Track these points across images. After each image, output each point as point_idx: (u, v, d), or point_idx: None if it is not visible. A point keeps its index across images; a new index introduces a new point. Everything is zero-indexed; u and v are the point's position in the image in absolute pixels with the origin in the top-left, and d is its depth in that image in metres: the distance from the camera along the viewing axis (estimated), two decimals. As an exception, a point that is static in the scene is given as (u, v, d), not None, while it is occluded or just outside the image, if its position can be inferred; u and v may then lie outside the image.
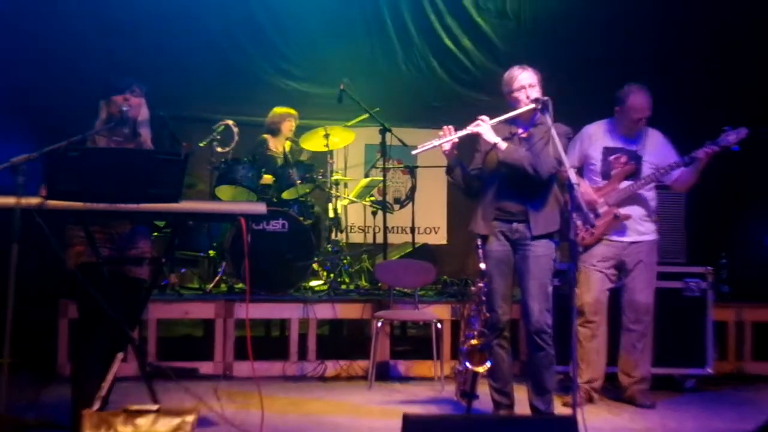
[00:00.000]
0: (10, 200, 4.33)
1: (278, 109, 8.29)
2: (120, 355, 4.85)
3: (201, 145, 7.70)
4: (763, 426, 4.43)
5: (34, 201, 4.44)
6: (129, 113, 4.97)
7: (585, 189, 6.23)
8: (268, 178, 7.88)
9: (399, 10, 9.18)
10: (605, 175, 6.35)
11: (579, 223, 6.03)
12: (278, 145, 8.24)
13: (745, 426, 4.63)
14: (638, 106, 6.23)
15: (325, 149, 8.24)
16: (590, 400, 6.23)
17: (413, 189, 8.51)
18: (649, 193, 6.37)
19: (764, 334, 7.72)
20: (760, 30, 8.58)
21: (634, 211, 6.30)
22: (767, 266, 8.56)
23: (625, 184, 6.29)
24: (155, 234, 6.64)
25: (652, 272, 6.42)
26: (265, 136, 8.23)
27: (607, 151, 6.36)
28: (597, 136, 6.40)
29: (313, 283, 7.89)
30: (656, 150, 6.34)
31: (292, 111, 8.32)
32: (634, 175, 6.30)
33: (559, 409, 5.71)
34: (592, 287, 6.28)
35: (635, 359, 6.38)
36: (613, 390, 6.50)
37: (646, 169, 6.29)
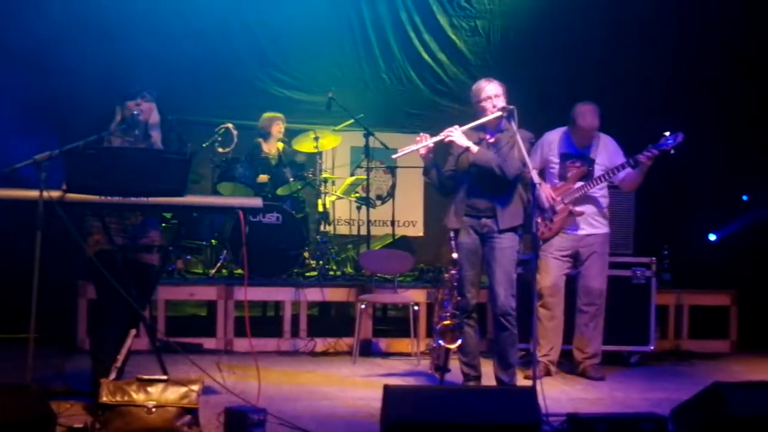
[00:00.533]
0: (34, 193, 4.33)
1: (267, 114, 8.26)
2: (133, 332, 4.86)
3: (204, 146, 7.70)
4: (698, 395, 4.45)
5: (55, 194, 4.43)
6: (140, 117, 4.96)
7: (545, 189, 6.27)
8: (263, 177, 7.87)
9: (382, 26, 9.15)
10: (562, 177, 6.38)
11: (539, 218, 6.08)
12: (271, 147, 8.21)
13: (683, 396, 4.64)
14: (585, 126, 6.29)
15: (315, 150, 8.22)
16: (548, 373, 6.25)
17: (393, 187, 8.51)
18: (601, 192, 6.40)
19: (699, 316, 7.79)
20: (692, 50, 8.63)
21: (588, 208, 6.33)
22: (703, 257, 8.63)
23: (579, 184, 6.32)
24: (164, 225, 6.62)
25: (604, 261, 6.46)
26: (258, 139, 8.21)
27: (564, 157, 6.39)
28: (555, 143, 6.43)
29: (305, 269, 7.86)
30: (607, 154, 6.37)
31: (278, 114, 8.29)
32: (587, 176, 6.33)
33: (521, 381, 5.72)
34: (551, 274, 6.32)
35: (588, 337, 6.41)
36: (568, 364, 6.53)
37: (598, 171, 6.32)
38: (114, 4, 8.03)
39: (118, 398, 4.27)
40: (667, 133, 6.13)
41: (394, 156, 5.60)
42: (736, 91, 8.71)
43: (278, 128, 8.24)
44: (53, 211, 4.37)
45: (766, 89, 8.68)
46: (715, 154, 8.53)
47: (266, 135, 8.20)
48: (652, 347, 7.02)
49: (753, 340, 7.91)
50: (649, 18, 8.71)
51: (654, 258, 7.12)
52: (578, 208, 6.29)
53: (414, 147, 5.33)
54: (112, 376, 4.62)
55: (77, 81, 7.52)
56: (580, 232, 6.34)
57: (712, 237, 9.00)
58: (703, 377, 5.95)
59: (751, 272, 8.35)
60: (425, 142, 5.32)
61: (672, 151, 6.13)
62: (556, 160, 6.40)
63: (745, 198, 8.91)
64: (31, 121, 7.03)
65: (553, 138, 6.44)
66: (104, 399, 4.26)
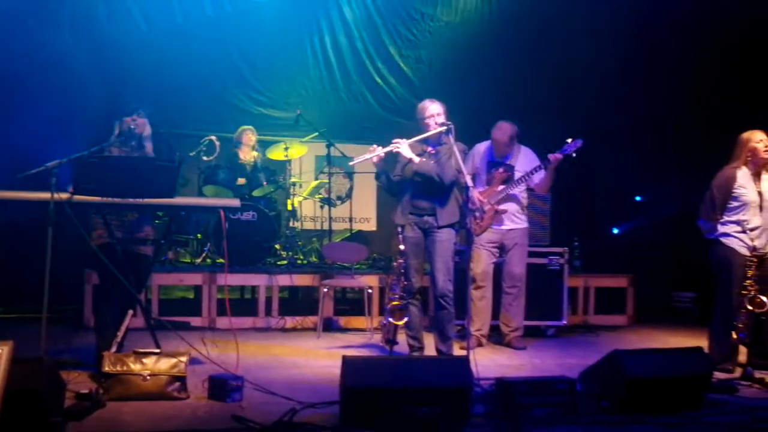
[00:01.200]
0: (45, 195, 4.32)
1: (240, 128, 8.22)
2: (131, 312, 4.84)
3: (191, 154, 7.62)
4: (601, 360, 4.51)
5: (64, 196, 4.42)
6: (135, 130, 4.96)
7: (474, 193, 6.30)
8: (241, 181, 7.83)
9: (342, 55, 9.12)
10: (489, 181, 6.41)
11: (472, 217, 6.12)
12: (246, 155, 8.12)
13: (590, 361, 4.65)
14: (498, 139, 6.36)
15: (285, 159, 8.19)
16: (480, 344, 6.27)
17: (351, 189, 8.51)
18: (522, 194, 6.44)
19: (603, 296, 7.85)
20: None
21: (510, 206, 6.37)
22: (607, 248, 8.77)
23: (501, 187, 6.35)
24: (156, 221, 6.56)
25: (524, 251, 6.50)
26: (235, 149, 8.15)
27: (489, 165, 6.43)
28: (482, 153, 6.46)
29: (276, 259, 7.85)
30: (525, 161, 6.41)
31: (248, 126, 8.19)
32: (508, 180, 6.37)
33: (457, 351, 5.72)
34: (482, 262, 6.35)
35: (512, 314, 6.45)
36: (496, 337, 6.54)
37: (517, 176, 6.36)
38: (116, 34, 7.99)
39: (118, 368, 4.27)
40: (569, 140, 6.20)
41: (350, 163, 5.61)
42: (635, 106, 8.83)
43: (248, 137, 8.15)
44: (62, 210, 4.35)
45: (658, 104, 8.83)
46: (616, 162, 8.65)
47: (239, 144, 8.15)
48: (564, 322, 7.08)
49: (646, 315, 8.05)
50: (564, 40, 8.75)
51: (566, 248, 7.18)
52: (502, 207, 6.33)
53: (367, 156, 5.35)
54: (113, 349, 4.61)
55: (85, 99, 7.44)
56: (505, 227, 6.38)
57: (615, 231, 9.14)
58: (606, 346, 5.97)
59: (645, 259, 8.52)
60: (377, 152, 5.33)
61: (574, 155, 6.21)
62: (484, 167, 6.42)
63: (638, 199, 9.06)
64: (45, 133, 6.97)
65: (481, 149, 6.48)
66: (106, 369, 4.27)
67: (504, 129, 6.35)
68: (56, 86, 7.43)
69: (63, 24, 7.88)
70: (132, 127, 4.96)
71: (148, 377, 4.27)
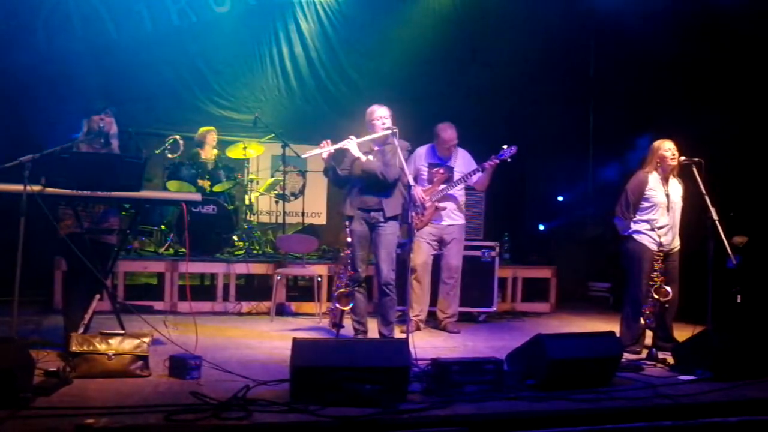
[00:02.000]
0: (19, 187, 4.24)
1: (202, 129, 8.08)
2: (97, 296, 4.77)
3: (156, 152, 7.52)
4: (526, 343, 4.60)
5: (36, 188, 4.34)
6: (104, 128, 4.89)
7: (417, 190, 6.35)
8: (205, 183, 7.71)
9: (297, 64, 9.10)
10: (429, 181, 6.45)
11: (414, 213, 6.16)
12: (207, 154, 8.05)
13: (516, 344, 4.71)
14: (447, 138, 6.37)
15: (244, 157, 8.14)
16: (418, 328, 6.31)
17: (304, 186, 8.47)
18: (460, 193, 6.49)
19: (529, 285, 7.95)
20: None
21: (449, 204, 6.42)
22: (534, 242, 8.90)
23: (442, 186, 6.40)
24: (123, 213, 6.46)
25: (460, 245, 6.55)
26: (196, 149, 8.06)
27: (431, 166, 6.46)
28: (423, 155, 6.49)
29: (234, 249, 7.78)
30: (463, 163, 6.47)
31: (211, 128, 8.12)
32: (448, 180, 6.43)
33: (398, 334, 5.74)
34: (422, 254, 6.38)
35: (448, 302, 6.49)
36: (433, 322, 6.57)
37: (456, 176, 6.42)
38: (88, 40, 7.86)
39: (85, 348, 4.21)
40: (505, 147, 6.29)
41: (303, 155, 5.64)
42: (559, 117, 8.98)
43: (211, 138, 8.09)
44: (35, 202, 4.27)
45: (581, 116, 9.00)
46: (542, 165, 8.79)
47: (202, 144, 8.07)
48: (494, 308, 7.15)
49: (566, 302, 8.21)
50: (494, 59, 8.89)
51: (498, 242, 7.26)
52: (442, 204, 6.39)
53: (318, 151, 5.34)
54: (80, 330, 4.53)
55: (57, 100, 7.28)
56: (444, 223, 6.42)
57: (541, 227, 9.28)
58: (531, 330, 6.06)
59: (566, 253, 8.68)
60: (327, 148, 5.34)
61: (509, 160, 6.31)
62: (425, 168, 6.46)
63: (560, 198, 9.21)
64: (19, 131, 6.81)
65: (422, 152, 6.51)
66: (74, 348, 4.19)
67: (452, 130, 6.38)
68: (30, 86, 7.26)
69: (37, 29, 7.71)
70: (101, 125, 4.87)
71: (113, 356, 4.21)
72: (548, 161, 8.81)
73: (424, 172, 6.47)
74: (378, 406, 3.73)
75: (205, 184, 7.67)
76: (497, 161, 6.27)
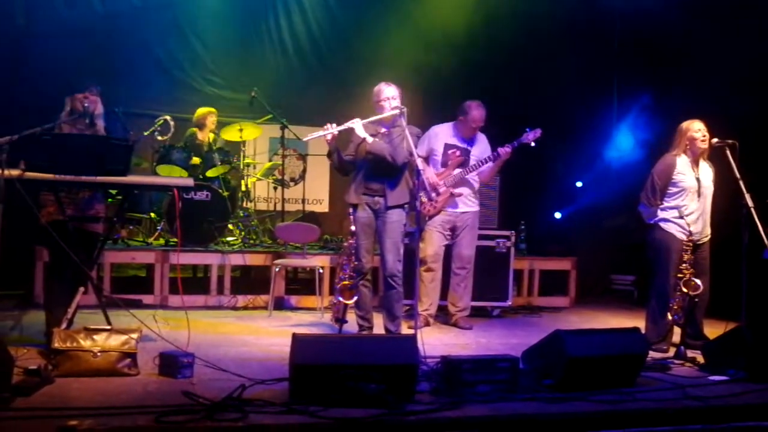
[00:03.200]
0: (-5, 171, 4.20)
1: (202, 109, 8.11)
2: (81, 289, 4.76)
3: (145, 134, 7.50)
4: (543, 340, 4.58)
5: (15, 172, 4.32)
6: (89, 108, 4.87)
7: (430, 174, 6.32)
8: (196, 160, 7.74)
9: (297, 38, 9.07)
10: (444, 164, 6.42)
11: (425, 199, 6.14)
12: (204, 136, 8.08)
13: (533, 340, 4.72)
14: (477, 117, 6.33)
15: (240, 140, 8.12)
16: (427, 324, 6.30)
17: (304, 171, 8.47)
18: (474, 178, 6.47)
19: (547, 278, 7.95)
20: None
21: (464, 190, 6.40)
22: (551, 232, 8.85)
23: (457, 171, 6.37)
24: (110, 200, 6.45)
25: (474, 234, 6.53)
26: (194, 129, 8.07)
27: (447, 147, 6.42)
28: (441, 135, 6.44)
29: (229, 238, 7.79)
30: (481, 148, 6.44)
31: (213, 109, 8.17)
32: (463, 164, 6.41)
33: (405, 330, 5.74)
34: (434, 244, 6.36)
35: (460, 295, 6.49)
36: (443, 317, 6.58)
37: (472, 161, 6.41)
38: (72, 16, 7.83)
39: (68, 344, 4.20)
40: (528, 129, 6.26)
41: (305, 138, 5.58)
42: (580, 97, 8.92)
43: (212, 120, 8.15)
44: (14, 188, 4.26)
45: (592, 104, 8.93)
46: (558, 152, 8.73)
47: (201, 125, 8.08)
48: (509, 302, 7.16)
49: (586, 297, 8.20)
50: (517, 35, 8.83)
51: (513, 231, 7.24)
52: (457, 191, 6.38)
53: (322, 133, 5.32)
54: (63, 326, 4.52)
55: (38, 76, 7.26)
56: (458, 210, 6.39)
57: (558, 215, 9.24)
58: (548, 326, 6.03)
59: (587, 243, 8.64)
60: (331, 129, 5.33)
61: (533, 144, 6.27)
62: (440, 149, 6.41)
63: (579, 184, 9.16)
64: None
65: (440, 131, 6.46)
66: (56, 345, 4.19)
67: (482, 110, 6.34)
68: (8, 67, 7.25)
69: (15, 4, 7.69)
70: (85, 104, 4.86)
71: (99, 354, 4.20)
72: (568, 144, 8.75)
73: (438, 153, 6.42)
74: (383, 407, 3.72)
75: (196, 161, 7.67)
76: (509, 151, 6.24)
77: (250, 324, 6.25)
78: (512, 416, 3.84)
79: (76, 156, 4.48)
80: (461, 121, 6.41)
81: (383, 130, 5.47)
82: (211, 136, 8.11)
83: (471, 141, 6.44)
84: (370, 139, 5.36)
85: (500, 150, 6.26)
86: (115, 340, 4.26)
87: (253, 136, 8.37)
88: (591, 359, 4.34)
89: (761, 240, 5.36)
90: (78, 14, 7.94)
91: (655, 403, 4.16)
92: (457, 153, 6.40)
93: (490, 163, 6.34)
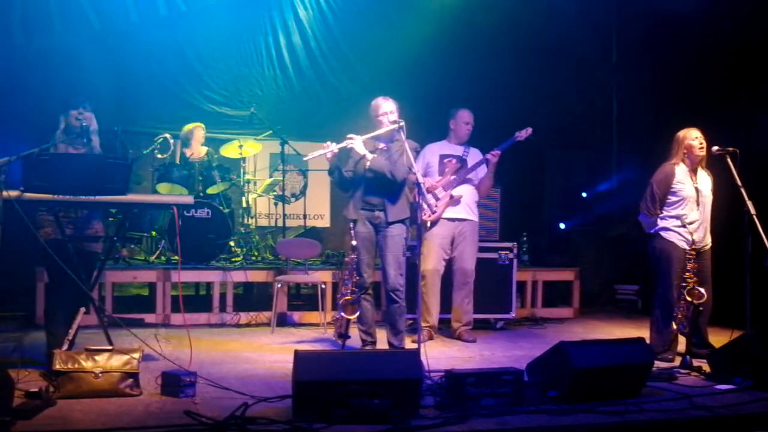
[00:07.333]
0: (-6, 193, 4.20)
1: (187, 126, 8.06)
2: (82, 309, 4.75)
3: (145, 152, 7.48)
4: (548, 352, 4.56)
5: (13, 193, 4.32)
6: (84, 123, 4.87)
7: (428, 181, 6.33)
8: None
9: (296, 54, 9.07)
10: (441, 172, 6.43)
11: (425, 207, 6.12)
12: (194, 152, 8.02)
13: (537, 352, 4.72)
14: (465, 115, 6.42)
15: (240, 156, 8.11)
16: (430, 338, 6.28)
17: (305, 186, 8.45)
18: (473, 189, 6.48)
19: (550, 289, 7.94)
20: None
21: (465, 196, 6.41)
22: (553, 243, 8.84)
23: (453, 177, 6.39)
24: (110, 219, 6.46)
25: (474, 247, 6.51)
26: (183, 148, 8.03)
27: (442, 157, 6.45)
28: (435, 149, 6.49)
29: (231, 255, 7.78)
30: (474, 156, 6.48)
31: (197, 123, 8.09)
32: (460, 170, 6.42)
33: (409, 344, 5.73)
34: (433, 258, 6.34)
35: (463, 308, 6.46)
36: (447, 330, 6.56)
37: (468, 165, 6.44)
38: (69, 32, 7.83)
39: (70, 366, 4.17)
40: (517, 132, 6.32)
41: (304, 158, 5.61)
42: (581, 107, 8.93)
43: (198, 134, 8.03)
44: (12, 208, 4.25)
45: (597, 113, 8.94)
46: (560, 161, 8.74)
47: (188, 142, 8.02)
48: (513, 314, 7.12)
49: (590, 307, 8.17)
50: (515, 43, 8.84)
51: (515, 243, 7.21)
52: (457, 193, 6.37)
53: (321, 152, 5.32)
54: (64, 347, 4.51)
55: (37, 97, 7.28)
56: (459, 216, 6.38)
57: (562, 226, 9.23)
58: (553, 337, 6.04)
59: (591, 253, 8.62)
60: (330, 148, 5.32)
61: (522, 140, 6.31)
62: (436, 160, 6.44)
63: (584, 195, 9.15)
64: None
65: (433, 146, 6.51)
66: (57, 366, 4.16)
67: (469, 112, 6.46)
68: (6, 88, 7.26)
69: (13, 22, 7.71)
70: (84, 124, 4.86)
71: (100, 374, 4.17)
72: (569, 154, 8.76)
73: (434, 165, 6.46)
74: (388, 423, 3.70)
75: (198, 184, 7.63)
76: (498, 153, 6.31)
77: (252, 341, 6.22)
78: (518, 429, 3.82)
79: (74, 176, 4.47)
80: (452, 129, 6.49)
81: (382, 145, 5.47)
82: (204, 150, 8.06)
83: (465, 150, 6.48)
84: (370, 156, 5.35)
85: (488, 156, 6.32)
86: (117, 361, 4.24)
87: (252, 153, 8.36)
88: (596, 370, 4.31)
89: (763, 247, 5.33)
90: (75, 32, 7.94)
91: (662, 414, 4.13)
92: (453, 160, 6.43)
93: (483, 167, 6.39)
